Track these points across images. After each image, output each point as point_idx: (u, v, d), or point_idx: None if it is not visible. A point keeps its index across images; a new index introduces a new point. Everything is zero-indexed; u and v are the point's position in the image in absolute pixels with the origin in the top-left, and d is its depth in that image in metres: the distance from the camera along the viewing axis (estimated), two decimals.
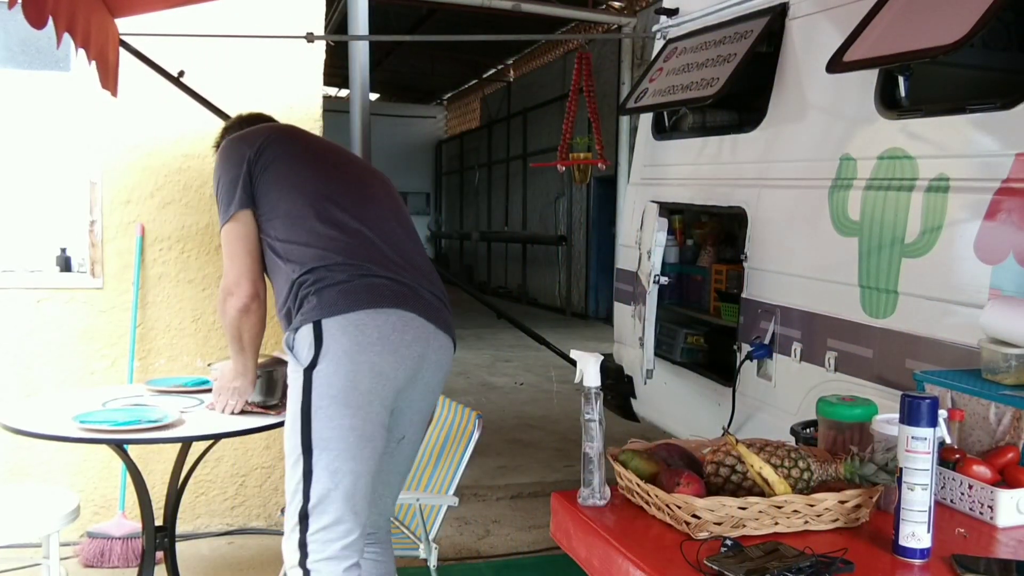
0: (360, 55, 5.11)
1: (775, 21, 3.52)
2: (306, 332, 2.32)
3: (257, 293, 2.52)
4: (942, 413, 1.81)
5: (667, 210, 4.10)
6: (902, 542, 1.53)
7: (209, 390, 2.97)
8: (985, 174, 2.42)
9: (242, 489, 4.33)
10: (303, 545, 2.30)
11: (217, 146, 2.86)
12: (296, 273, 2.40)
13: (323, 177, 2.58)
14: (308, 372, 2.31)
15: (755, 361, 3.40)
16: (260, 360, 2.77)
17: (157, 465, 3.93)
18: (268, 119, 2.88)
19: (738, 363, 3.50)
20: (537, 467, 5.60)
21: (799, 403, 3.16)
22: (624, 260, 4.66)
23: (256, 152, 2.53)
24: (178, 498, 3.06)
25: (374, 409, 2.34)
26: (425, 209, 21.93)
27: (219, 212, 2.55)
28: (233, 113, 3.10)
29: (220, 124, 3.14)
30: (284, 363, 2.89)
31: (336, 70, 6.48)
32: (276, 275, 2.50)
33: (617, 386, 4.54)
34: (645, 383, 4.21)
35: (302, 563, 2.30)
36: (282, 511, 3.36)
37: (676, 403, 4.19)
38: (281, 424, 2.80)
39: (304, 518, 2.30)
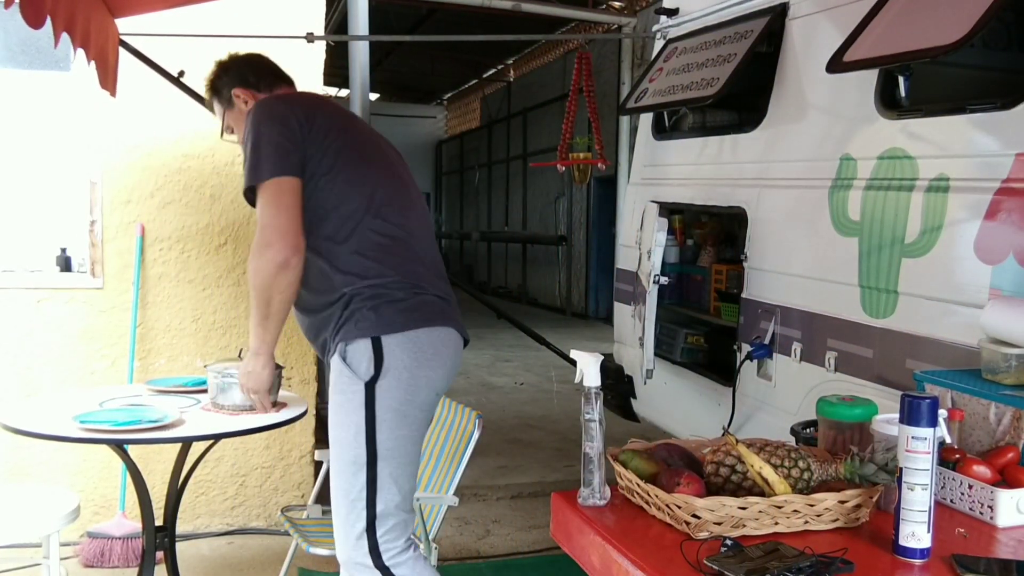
0: (360, 55, 5.11)
1: (775, 21, 3.52)
2: (363, 347, 2.37)
3: (299, 247, 2.34)
4: (942, 413, 1.80)
5: (667, 210, 4.10)
6: (902, 542, 1.53)
7: (206, 390, 2.93)
8: (985, 174, 2.42)
9: (242, 489, 4.33)
10: (375, 548, 2.39)
11: (211, 85, 2.71)
12: (349, 285, 2.40)
13: (379, 178, 2.53)
14: (371, 386, 2.37)
15: (755, 361, 3.40)
16: None
17: (157, 465, 3.94)
18: (270, 63, 2.75)
19: (738, 363, 3.50)
20: (537, 467, 5.60)
21: (799, 403, 3.16)
22: (624, 260, 4.66)
23: (310, 130, 2.42)
24: (178, 498, 3.06)
25: (425, 417, 2.48)
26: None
27: (255, 167, 2.36)
28: None
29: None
30: (279, 366, 2.89)
31: (336, 70, 6.48)
32: (308, 268, 2.42)
33: (617, 386, 4.54)
34: (645, 383, 4.21)
35: (378, 564, 2.39)
36: (283, 511, 3.37)
37: (676, 403, 4.19)
38: (281, 424, 2.80)
39: (372, 523, 2.39)
